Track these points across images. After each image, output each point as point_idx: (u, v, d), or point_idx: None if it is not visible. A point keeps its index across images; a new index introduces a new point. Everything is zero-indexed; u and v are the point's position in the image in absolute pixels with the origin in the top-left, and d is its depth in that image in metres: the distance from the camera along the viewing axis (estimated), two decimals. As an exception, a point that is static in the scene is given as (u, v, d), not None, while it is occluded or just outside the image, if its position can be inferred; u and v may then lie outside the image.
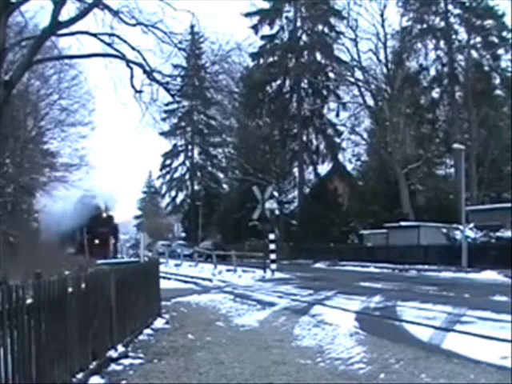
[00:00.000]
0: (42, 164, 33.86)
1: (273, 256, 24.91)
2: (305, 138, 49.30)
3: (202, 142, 66.42)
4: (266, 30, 48.01)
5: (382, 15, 38.25)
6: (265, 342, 8.30)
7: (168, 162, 68.99)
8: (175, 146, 68.07)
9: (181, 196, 70.27)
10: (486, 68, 39.83)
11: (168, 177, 69.88)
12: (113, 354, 7.02)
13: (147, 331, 9.20)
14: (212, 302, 13.88)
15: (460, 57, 40.32)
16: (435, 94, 42.51)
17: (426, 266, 26.54)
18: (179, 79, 22.44)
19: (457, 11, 39.88)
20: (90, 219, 28.26)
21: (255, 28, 47.74)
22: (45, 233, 30.42)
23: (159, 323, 10.15)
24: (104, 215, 29.66)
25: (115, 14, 17.13)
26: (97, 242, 27.86)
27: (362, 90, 41.16)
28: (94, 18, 17.01)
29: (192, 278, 23.77)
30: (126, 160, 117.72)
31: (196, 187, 67.67)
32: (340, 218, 42.02)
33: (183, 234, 68.30)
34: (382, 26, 38.53)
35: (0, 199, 26.87)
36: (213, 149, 65.97)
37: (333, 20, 45.00)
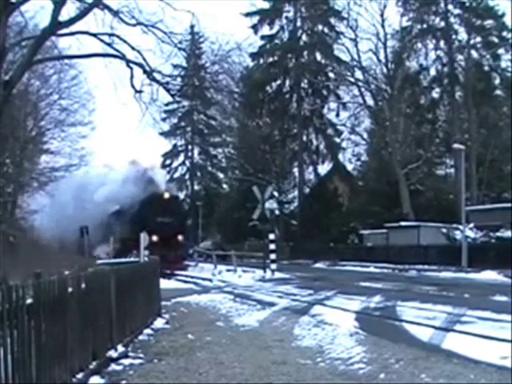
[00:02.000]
0: (41, 164, 33.86)
1: (273, 256, 24.90)
2: (305, 138, 49.31)
3: (201, 142, 66.42)
4: (265, 30, 48.08)
5: (381, 15, 38.31)
6: (265, 342, 8.30)
7: (168, 162, 68.96)
8: (175, 146, 68.04)
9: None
10: (486, 68, 39.83)
11: (168, 177, 69.82)
12: (113, 353, 7.02)
13: (147, 331, 9.20)
14: (212, 302, 13.88)
15: (460, 57, 40.31)
16: (435, 94, 42.55)
17: (426, 266, 26.54)
18: (179, 79, 22.50)
19: (457, 11, 39.88)
20: (141, 202, 20.19)
21: (255, 28, 47.75)
22: (45, 232, 26.53)
23: (159, 323, 10.15)
24: (166, 195, 21.19)
25: (115, 14, 17.17)
26: (155, 239, 19.34)
27: (362, 90, 41.20)
28: (94, 17, 17.08)
29: (192, 277, 23.75)
30: (126, 160, 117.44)
31: (196, 187, 67.63)
32: (340, 218, 42.03)
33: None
34: (382, 26, 38.59)
35: (0, 199, 26.83)
36: (213, 149, 65.97)
37: (333, 20, 45.02)
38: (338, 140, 48.83)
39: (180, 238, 20.88)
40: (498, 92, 40.77)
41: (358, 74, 41.19)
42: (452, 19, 39.95)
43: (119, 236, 20.77)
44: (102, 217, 22.56)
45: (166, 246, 19.80)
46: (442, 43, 40.41)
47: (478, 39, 39.16)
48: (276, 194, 42.76)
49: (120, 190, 21.26)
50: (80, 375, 5.81)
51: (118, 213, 21.53)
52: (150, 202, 19.91)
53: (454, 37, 39.89)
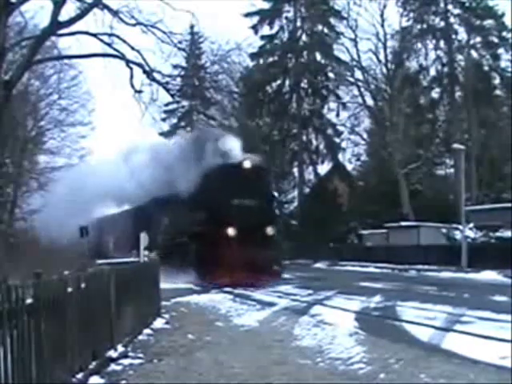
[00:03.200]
0: (41, 164, 33.81)
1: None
2: (304, 138, 49.27)
3: (201, 142, 66.38)
4: (265, 30, 47.99)
5: (381, 15, 38.35)
6: (264, 342, 8.30)
7: (168, 161, 68.79)
8: (175, 145, 68.03)
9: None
10: (486, 68, 39.84)
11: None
12: (112, 353, 7.02)
13: (147, 331, 9.20)
14: (212, 302, 13.86)
15: (460, 57, 40.33)
16: (435, 94, 42.52)
17: (426, 266, 26.53)
18: (179, 79, 22.50)
19: (457, 11, 39.91)
20: (207, 178, 14.41)
21: (255, 28, 47.70)
22: (48, 231, 24.85)
23: (159, 323, 10.14)
24: (247, 165, 14.86)
25: (115, 13, 17.19)
26: (232, 233, 14.24)
27: (362, 90, 41.22)
28: (94, 18, 17.07)
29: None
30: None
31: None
32: (340, 218, 42.00)
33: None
34: (382, 26, 38.63)
35: (0, 199, 26.79)
36: (212, 149, 65.92)
37: (332, 20, 45.00)
38: (337, 140, 48.76)
39: (270, 230, 14.67)
40: (498, 92, 40.78)
41: (358, 74, 41.27)
42: (452, 19, 39.99)
43: (166, 232, 14.98)
44: (134, 208, 16.87)
45: (249, 244, 14.00)
46: (441, 43, 40.44)
47: (478, 39, 39.20)
48: (276, 194, 42.73)
49: (168, 165, 15.87)
50: (80, 375, 5.81)
51: (164, 199, 15.35)
52: (221, 177, 13.70)
53: (453, 37, 39.92)
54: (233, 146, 15.66)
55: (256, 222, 14.69)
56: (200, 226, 14.24)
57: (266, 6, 48.06)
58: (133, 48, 17.74)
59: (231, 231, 14.16)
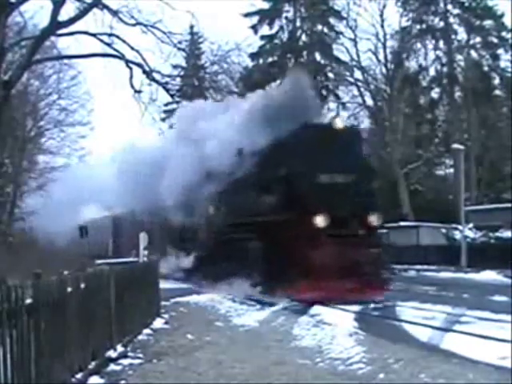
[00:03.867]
0: (40, 164, 33.82)
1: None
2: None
3: (201, 142, 66.23)
4: (265, 30, 47.91)
5: (381, 15, 38.39)
6: (264, 341, 8.29)
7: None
8: (174, 145, 67.84)
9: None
10: (486, 68, 39.85)
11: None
12: (112, 353, 7.01)
13: (146, 331, 9.19)
14: (211, 302, 13.84)
15: (459, 57, 40.34)
16: (434, 94, 42.52)
17: (426, 266, 26.52)
18: (178, 79, 22.48)
19: (456, 11, 39.91)
20: (282, 144, 11.19)
21: (254, 28, 47.66)
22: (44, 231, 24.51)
23: (158, 323, 10.13)
24: (339, 124, 11.93)
25: (114, 13, 17.18)
26: (321, 222, 10.71)
27: (362, 90, 41.23)
28: (94, 18, 17.06)
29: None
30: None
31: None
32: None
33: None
34: (382, 26, 38.66)
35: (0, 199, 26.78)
36: (212, 149, 65.79)
37: (332, 20, 44.98)
38: (337, 140, 48.74)
39: (374, 219, 11.31)
40: (498, 92, 40.79)
41: (358, 74, 41.30)
42: (451, 19, 39.98)
43: (211, 225, 11.64)
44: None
45: (347, 240, 10.89)
46: (441, 43, 40.43)
47: (478, 39, 39.21)
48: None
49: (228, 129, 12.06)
50: (79, 375, 5.81)
51: (205, 179, 12.15)
52: (301, 143, 10.46)
53: (453, 37, 39.92)
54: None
55: (355, 206, 10.92)
56: (270, 215, 10.72)
57: (266, 6, 47.98)
58: (132, 48, 17.73)
59: (320, 221, 10.35)
